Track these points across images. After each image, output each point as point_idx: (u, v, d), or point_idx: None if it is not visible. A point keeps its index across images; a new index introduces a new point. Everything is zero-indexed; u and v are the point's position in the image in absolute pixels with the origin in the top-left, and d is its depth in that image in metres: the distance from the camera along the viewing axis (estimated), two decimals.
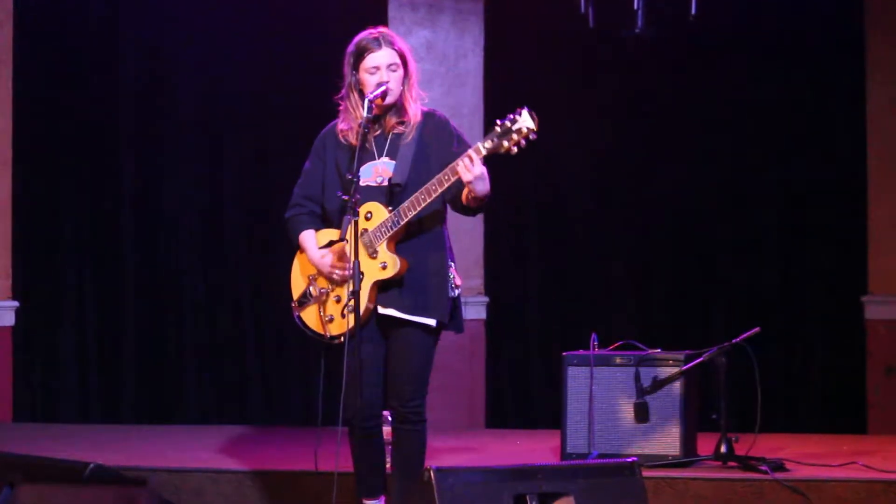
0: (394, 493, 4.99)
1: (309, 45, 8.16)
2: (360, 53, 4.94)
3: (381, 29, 5.01)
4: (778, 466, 5.64)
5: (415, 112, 4.98)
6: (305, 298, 5.03)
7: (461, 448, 6.75)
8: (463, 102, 8.15)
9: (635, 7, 7.21)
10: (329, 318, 4.95)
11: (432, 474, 4.40)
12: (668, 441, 5.84)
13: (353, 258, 4.68)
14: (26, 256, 8.17)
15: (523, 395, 8.53)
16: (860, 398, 8.03)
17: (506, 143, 4.72)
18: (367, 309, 4.83)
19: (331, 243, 4.98)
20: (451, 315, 4.99)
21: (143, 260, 8.40)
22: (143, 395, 8.33)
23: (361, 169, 4.87)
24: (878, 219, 8.02)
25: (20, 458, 4.56)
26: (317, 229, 5.04)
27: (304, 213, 5.07)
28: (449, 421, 7.64)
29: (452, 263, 5.01)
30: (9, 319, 7.99)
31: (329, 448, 5.06)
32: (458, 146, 4.91)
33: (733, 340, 5.79)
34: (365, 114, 4.84)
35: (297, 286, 5.07)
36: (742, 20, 8.25)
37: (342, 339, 4.80)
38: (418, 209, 4.83)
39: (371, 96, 4.86)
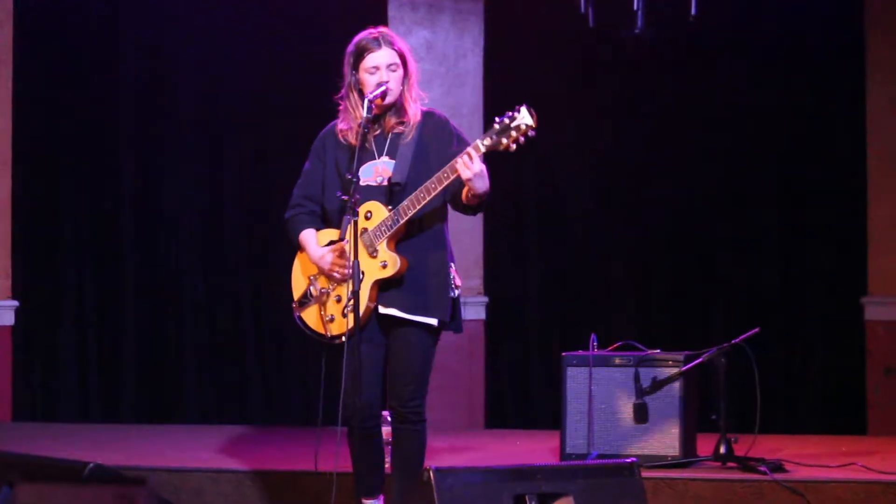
0: (393, 493, 4.98)
1: (309, 45, 8.16)
2: (360, 53, 4.93)
3: (381, 29, 5.00)
4: (777, 467, 5.64)
5: (414, 112, 4.97)
6: (306, 298, 5.02)
7: (461, 448, 6.74)
8: (463, 102, 8.15)
9: (635, 7, 7.20)
10: (330, 317, 4.94)
11: (432, 474, 4.40)
12: (667, 441, 5.83)
13: (352, 258, 4.69)
14: (26, 256, 8.16)
15: (523, 396, 8.51)
16: (860, 399, 8.02)
17: (505, 140, 4.71)
18: (367, 308, 4.82)
19: (331, 243, 4.97)
20: (452, 315, 4.99)
21: (143, 260, 8.40)
22: (143, 394, 8.33)
23: (361, 169, 4.87)
24: (878, 219, 8.01)
25: (19, 457, 4.55)
26: (317, 229, 5.04)
27: (304, 213, 5.07)
28: (448, 421, 7.65)
29: (452, 264, 5.01)
30: (9, 319, 7.99)
31: (329, 448, 5.06)
32: (458, 145, 4.90)
33: (733, 341, 5.78)
34: (365, 114, 4.83)
35: (298, 286, 5.06)
36: (742, 20, 8.24)
37: (343, 338, 4.80)
38: (418, 207, 4.82)
39: (371, 96, 4.86)
